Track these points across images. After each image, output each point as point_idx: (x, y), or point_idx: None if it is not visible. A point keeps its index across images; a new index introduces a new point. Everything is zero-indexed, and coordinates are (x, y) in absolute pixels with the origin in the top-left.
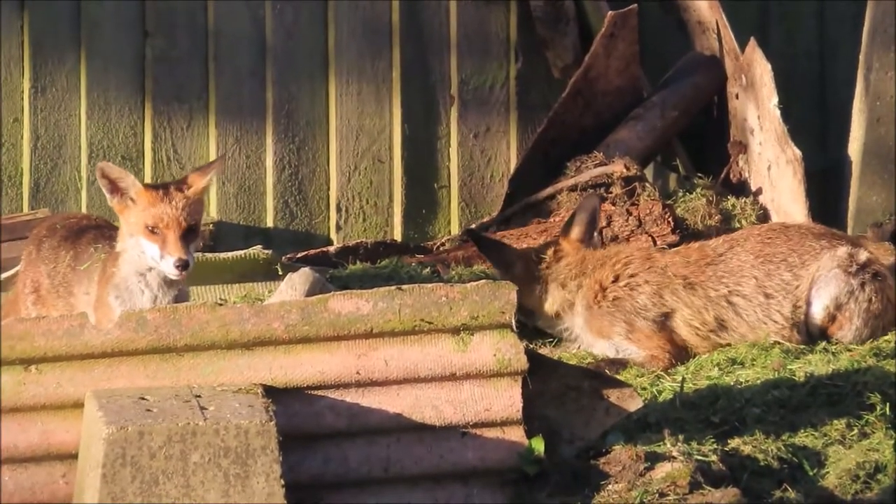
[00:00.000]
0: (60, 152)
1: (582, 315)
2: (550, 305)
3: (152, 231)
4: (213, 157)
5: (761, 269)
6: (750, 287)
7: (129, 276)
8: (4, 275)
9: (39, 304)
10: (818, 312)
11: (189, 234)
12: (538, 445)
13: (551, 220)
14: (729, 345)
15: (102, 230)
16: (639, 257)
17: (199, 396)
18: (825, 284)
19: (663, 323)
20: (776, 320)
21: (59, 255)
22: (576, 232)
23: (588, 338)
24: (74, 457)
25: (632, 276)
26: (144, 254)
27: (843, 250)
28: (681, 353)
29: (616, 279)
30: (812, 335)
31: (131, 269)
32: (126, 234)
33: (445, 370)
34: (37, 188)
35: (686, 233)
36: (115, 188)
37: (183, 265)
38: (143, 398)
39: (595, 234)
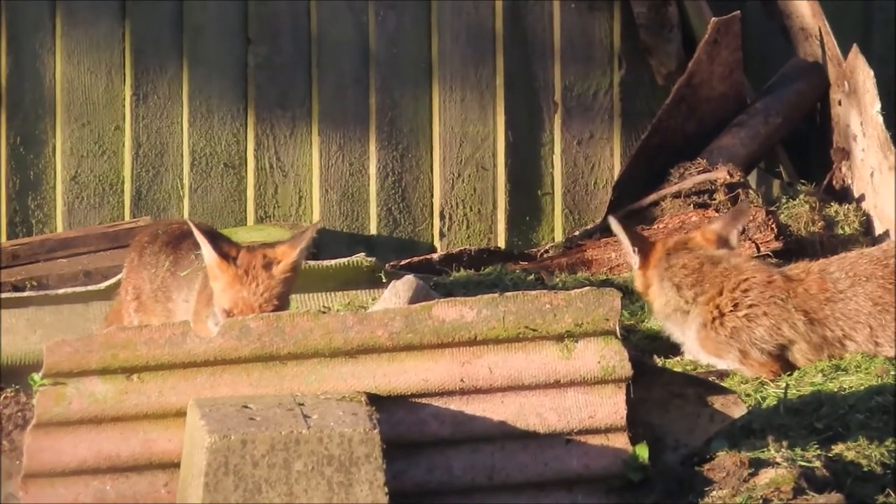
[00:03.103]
0: (162, 160)
1: (695, 331)
2: (662, 306)
3: (228, 313)
4: (315, 165)
5: (877, 318)
6: (863, 336)
7: None
8: (106, 283)
9: (141, 311)
10: None
11: None
12: (642, 452)
13: (655, 226)
14: None
15: None
16: (759, 283)
17: (302, 405)
18: None
19: (780, 355)
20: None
21: (160, 261)
22: (717, 224)
23: (701, 354)
24: (176, 465)
25: (751, 305)
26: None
27: None
28: (791, 370)
29: (735, 307)
30: None
31: None
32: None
33: (549, 377)
34: (138, 196)
35: (789, 239)
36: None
37: None
38: (246, 406)
39: (735, 231)
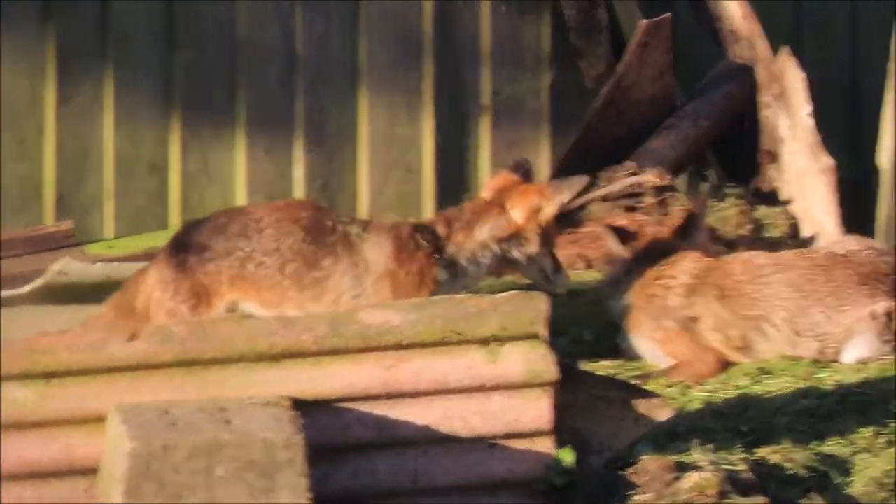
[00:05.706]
0: (86, 163)
1: (626, 302)
2: (606, 281)
3: None
4: (242, 169)
5: (795, 304)
6: (780, 319)
7: None
8: (28, 287)
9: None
10: (846, 359)
11: None
12: (566, 456)
13: (582, 229)
14: None
15: None
16: (688, 259)
17: (225, 410)
18: (855, 346)
19: (689, 326)
20: (802, 355)
21: None
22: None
23: (626, 326)
24: (97, 471)
25: (671, 276)
26: None
27: (882, 307)
28: (715, 356)
29: (657, 278)
30: None
31: None
32: None
33: (475, 381)
34: (61, 200)
35: (718, 242)
36: None
37: None
38: (167, 412)
39: (694, 230)
